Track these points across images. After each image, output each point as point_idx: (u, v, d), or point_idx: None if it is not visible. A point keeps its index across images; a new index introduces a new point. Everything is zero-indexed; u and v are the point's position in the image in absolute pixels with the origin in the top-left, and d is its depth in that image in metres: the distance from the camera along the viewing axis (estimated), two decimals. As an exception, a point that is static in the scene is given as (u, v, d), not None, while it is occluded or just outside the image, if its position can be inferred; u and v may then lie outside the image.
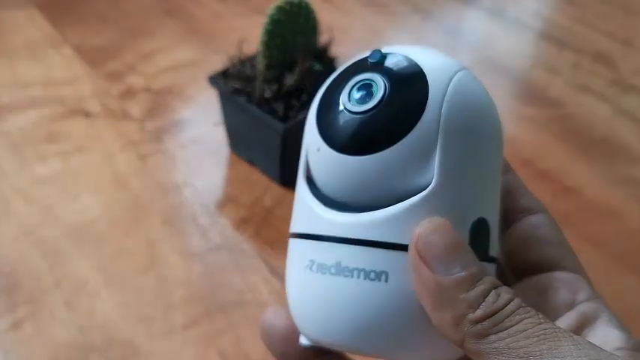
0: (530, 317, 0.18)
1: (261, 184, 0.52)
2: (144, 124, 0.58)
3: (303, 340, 0.23)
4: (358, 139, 0.21)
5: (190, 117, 0.60)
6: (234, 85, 0.50)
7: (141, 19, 0.73)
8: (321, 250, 0.21)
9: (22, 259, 0.45)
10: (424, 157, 0.20)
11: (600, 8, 0.79)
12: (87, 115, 0.59)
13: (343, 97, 0.21)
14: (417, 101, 0.20)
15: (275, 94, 0.48)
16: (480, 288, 0.18)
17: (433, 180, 0.20)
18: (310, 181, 0.23)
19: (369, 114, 0.20)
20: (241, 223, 0.49)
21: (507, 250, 0.24)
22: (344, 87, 0.21)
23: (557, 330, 0.18)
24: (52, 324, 0.41)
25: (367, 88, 0.21)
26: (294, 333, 0.23)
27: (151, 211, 0.50)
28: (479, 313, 0.18)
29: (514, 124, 0.60)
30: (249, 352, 0.40)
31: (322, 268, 0.21)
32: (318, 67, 0.49)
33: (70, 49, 0.67)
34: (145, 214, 0.49)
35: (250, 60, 0.51)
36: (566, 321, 0.21)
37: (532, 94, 0.64)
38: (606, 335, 0.20)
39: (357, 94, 0.21)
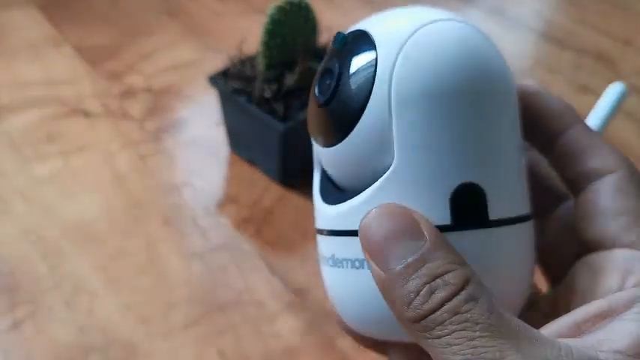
0: (461, 330, 0.16)
1: (261, 184, 0.52)
2: (144, 123, 0.58)
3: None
4: (324, 130, 0.21)
5: (190, 117, 0.60)
6: (234, 85, 0.50)
7: (141, 19, 0.73)
8: (322, 244, 0.22)
9: (22, 259, 0.45)
10: (384, 138, 0.19)
11: (600, 8, 0.79)
12: (87, 115, 0.59)
13: (314, 87, 0.21)
14: (364, 82, 0.19)
15: (275, 94, 0.48)
16: (410, 284, 0.17)
17: (394, 159, 0.19)
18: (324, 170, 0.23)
19: (327, 105, 0.20)
20: (241, 223, 0.49)
21: (575, 223, 0.21)
22: (318, 76, 0.22)
23: (490, 348, 0.16)
24: (52, 324, 0.41)
25: (328, 76, 0.20)
26: None
27: (151, 211, 0.50)
28: (410, 312, 0.17)
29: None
30: (249, 352, 0.40)
31: (325, 261, 0.22)
32: (317, 67, 0.48)
33: (70, 49, 0.67)
34: (145, 214, 0.49)
35: (250, 60, 0.51)
36: (586, 309, 0.18)
37: (532, 94, 0.64)
38: (616, 333, 0.17)
39: (322, 84, 0.21)
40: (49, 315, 0.42)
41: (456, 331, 0.16)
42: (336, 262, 0.21)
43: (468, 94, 0.19)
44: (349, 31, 0.21)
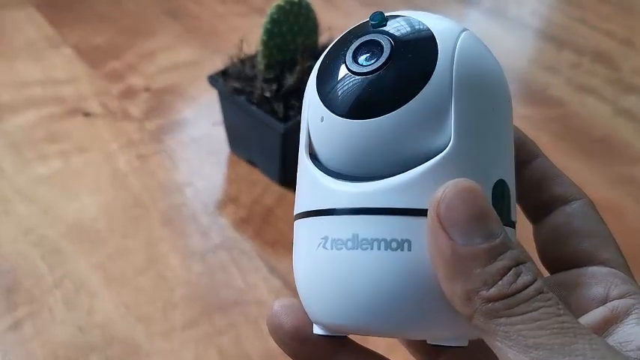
0: (548, 307, 0.17)
1: (261, 184, 0.52)
2: (144, 124, 0.58)
3: (318, 330, 0.21)
4: (366, 101, 0.19)
5: (190, 117, 0.60)
6: (234, 84, 0.50)
7: (141, 19, 0.73)
8: (334, 225, 0.19)
9: (22, 258, 0.45)
10: (439, 116, 0.19)
11: (600, 8, 0.79)
12: (87, 114, 0.59)
13: (347, 60, 0.20)
14: (426, 57, 0.19)
15: (275, 93, 0.48)
16: (498, 264, 0.17)
17: (451, 139, 0.18)
18: (314, 158, 0.21)
19: (376, 73, 0.19)
20: (241, 223, 0.49)
21: (540, 244, 0.23)
22: (346, 51, 0.20)
23: (575, 326, 0.16)
24: (52, 324, 0.41)
25: (372, 48, 0.20)
26: (305, 328, 0.21)
27: (151, 211, 0.50)
28: (492, 291, 0.17)
29: (513, 123, 0.60)
30: (249, 352, 0.40)
31: (337, 244, 0.19)
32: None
33: (70, 49, 0.67)
34: (145, 214, 0.49)
35: (250, 60, 0.51)
36: (593, 316, 0.19)
37: (532, 94, 0.64)
38: (632, 333, 0.19)
39: (361, 56, 0.20)
40: (49, 315, 0.42)
41: (543, 307, 0.17)
42: (359, 244, 0.19)
43: (505, 96, 0.20)
44: (385, 14, 0.21)
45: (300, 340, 0.22)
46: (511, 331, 0.16)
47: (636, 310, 0.19)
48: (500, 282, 0.17)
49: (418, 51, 0.19)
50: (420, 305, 0.19)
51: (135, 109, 0.60)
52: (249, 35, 0.52)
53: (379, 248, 0.19)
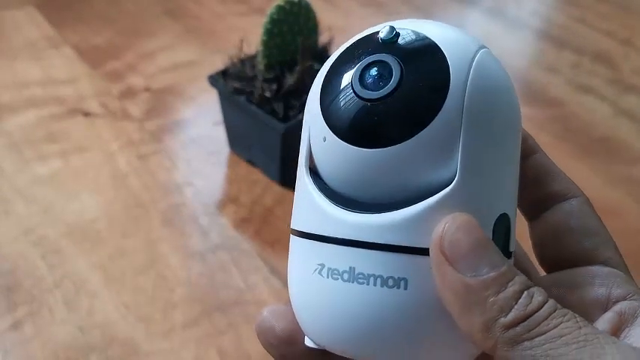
0: (568, 321, 0.17)
1: (261, 184, 0.52)
2: (144, 124, 0.58)
3: (310, 343, 0.21)
4: (373, 130, 0.18)
5: (190, 117, 0.60)
6: (234, 85, 0.50)
7: (141, 19, 0.73)
8: (331, 254, 0.19)
9: (22, 258, 0.45)
10: (446, 150, 0.18)
11: (600, 8, 0.79)
12: (87, 114, 0.59)
13: (354, 81, 0.19)
14: (438, 86, 0.18)
15: (275, 93, 0.48)
16: (510, 289, 0.17)
17: (456, 176, 0.18)
18: (314, 173, 0.20)
19: (384, 101, 0.18)
20: (241, 223, 0.49)
21: (537, 242, 0.22)
22: (353, 68, 0.19)
23: (599, 335, 0.16)
24: (52, 324, 0.41)
25: (380, 70, 0.19)
26: (295, 334, 0.21)
27: (151, 211, 0.50)
28: (511, 317, 0.17)
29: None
30: (249, 352, 0.40)
31: (334, 274, 0.19)
32: (318, 67, 0.49)
33: (70, 49, 0.67)
34: (145, 214, 0.49)
35: (250, 60, 0.51)
36: (601, 322, 0.19)
37: (532, 94, 0.64)
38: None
39: (369, 78, 0.19)
40: (49, 315, 0.42)
41: (563, 322, 0.16)
42: (355, 278, 0.18)
43: (515, 122, 0.20)
44: (397, 27, 0.19)
45: (290, 343, 0.21)
46: (537, 353, 0.16)
47: None
48: (516, 306, 0.17)
49: (429, 77, 0.18)
50: (413, 344, 0.19)
51: (135, 109, 0.60)
52: (249, 35, 0.52)
53: (375, 284, 0.18)
